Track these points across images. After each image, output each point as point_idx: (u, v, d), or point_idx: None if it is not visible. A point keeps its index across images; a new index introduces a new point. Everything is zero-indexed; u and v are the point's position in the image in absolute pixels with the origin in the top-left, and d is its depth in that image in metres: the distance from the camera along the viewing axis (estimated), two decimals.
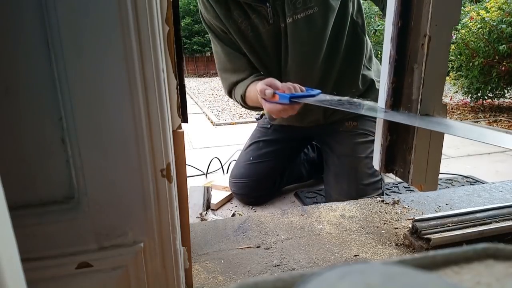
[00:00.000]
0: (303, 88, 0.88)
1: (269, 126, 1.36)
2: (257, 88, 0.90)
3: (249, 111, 3.72)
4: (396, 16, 0.54)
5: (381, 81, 0.59)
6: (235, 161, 1.41)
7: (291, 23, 1.03)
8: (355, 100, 0.71)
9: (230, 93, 1.18)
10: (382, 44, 0.59)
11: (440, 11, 0.49)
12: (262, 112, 1.44)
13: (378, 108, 0.61)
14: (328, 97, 0.83)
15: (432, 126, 0.49)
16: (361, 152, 1.17)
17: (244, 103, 1.13)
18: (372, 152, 0.67)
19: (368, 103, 0.68)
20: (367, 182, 1.13)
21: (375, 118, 0.64)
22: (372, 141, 1.06)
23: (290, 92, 0.84)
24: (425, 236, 0.71)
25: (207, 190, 1.32)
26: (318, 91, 0.86)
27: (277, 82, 0.88)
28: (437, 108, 0.54)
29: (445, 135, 0.56)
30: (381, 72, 0.59)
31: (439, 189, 1.14)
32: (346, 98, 0.78)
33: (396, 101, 0.58)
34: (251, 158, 1.31)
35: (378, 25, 5.00)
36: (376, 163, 0.64)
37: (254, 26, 1.06)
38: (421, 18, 0.51)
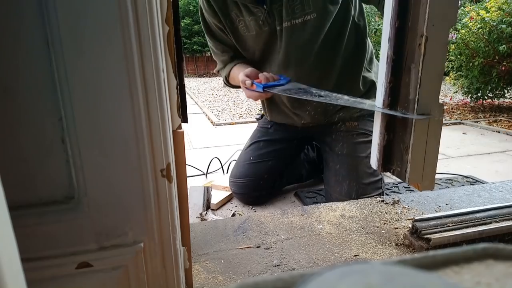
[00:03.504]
0: (276, 77, 1.05)
1: (269, 126, 1.36)
2: (239, 78, 1.09)
3: (249, 109, 3.74)
4: (393, 16, 0.54)
5: (379, 80, 0.59)
6: (235, 161, 1.41)
7: (289, 27, 1.06)
8: (328, 92, 0.85)
9: (219, 72, 1.36)
10: None
11: (437, 11, 0.49)
12: (262, 112, 1.45)
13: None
14: (294, 85, 0.99)
15: None
16: (361, 151, 1.17)
17: (228, 82, 1.33)
18: None
19: (343, 96, 0.79)
20: (367, 182, 1.13)
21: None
22: None
23: (266, 81, 1.01)
24: (425, 236, 0.71)
25: (207, 190, 1.32)
26: (287, 79, 1.03)
27: (256, 72, 1.08)
28: (434, 108, 0.54)
29: (443, 134, 0.56)
30: (378, 72, 0.59)
31: (439, 189, 1.14)
32: (314, 89, 0.91)
33: (393, 100, 0.58)
34: (251, 158, 1.31)
35: (379, 25, 5.00)
36: (374, 162, 0.64)
37: (250, 28, 1.11)
38: (418, 18, 0.51)
